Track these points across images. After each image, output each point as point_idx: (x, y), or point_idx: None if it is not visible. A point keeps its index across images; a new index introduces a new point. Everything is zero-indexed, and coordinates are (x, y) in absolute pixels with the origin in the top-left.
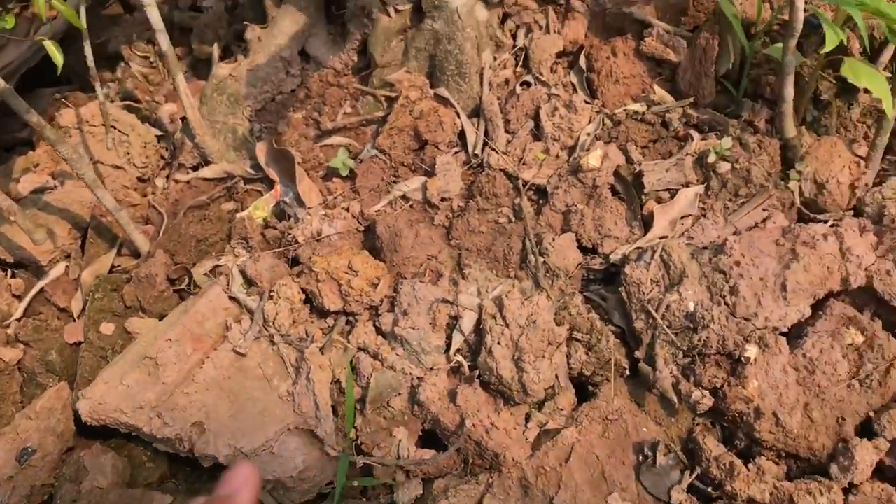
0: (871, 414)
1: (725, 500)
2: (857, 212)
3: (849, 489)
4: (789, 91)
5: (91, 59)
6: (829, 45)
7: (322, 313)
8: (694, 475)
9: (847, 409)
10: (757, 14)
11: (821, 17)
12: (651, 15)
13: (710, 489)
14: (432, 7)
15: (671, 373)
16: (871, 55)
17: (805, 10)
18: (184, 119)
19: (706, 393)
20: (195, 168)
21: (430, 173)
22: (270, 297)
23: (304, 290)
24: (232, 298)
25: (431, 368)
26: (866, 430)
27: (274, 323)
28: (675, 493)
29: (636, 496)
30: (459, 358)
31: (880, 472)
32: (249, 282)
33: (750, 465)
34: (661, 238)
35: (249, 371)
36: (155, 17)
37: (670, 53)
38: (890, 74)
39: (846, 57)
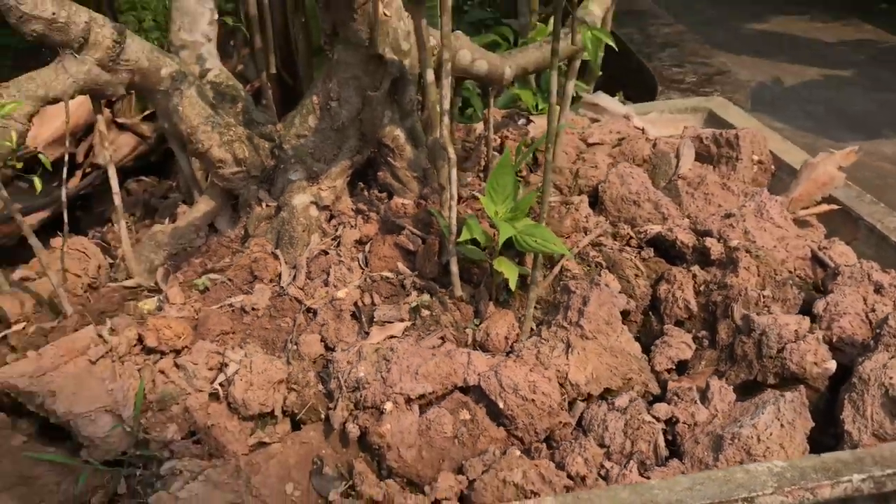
0: (464, 461)
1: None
2: (510, 352)
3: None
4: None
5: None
6: (464, 237)
7: (149, 350)
8: (347, 485)
9: (446, 454)
10: None
11: (465, 224)
12: (408, 223)
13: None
14: (284, 204)
15: (343, 416)
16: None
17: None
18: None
19: (357, 427)
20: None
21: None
22: (115, 334)
23: (139, 335)
24: (100, 335)
25: (200, 390)
26: (461, 470)
27: (115, 350)
28: (332, 495)
29: (306, 490)
30: (217, 385)
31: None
32: (112, 330)
33: (382, 483)
34: (372, 344)
35: (95, 372)
36: (114, 185)
37: (410, 245)
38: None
39: (500, 256)
